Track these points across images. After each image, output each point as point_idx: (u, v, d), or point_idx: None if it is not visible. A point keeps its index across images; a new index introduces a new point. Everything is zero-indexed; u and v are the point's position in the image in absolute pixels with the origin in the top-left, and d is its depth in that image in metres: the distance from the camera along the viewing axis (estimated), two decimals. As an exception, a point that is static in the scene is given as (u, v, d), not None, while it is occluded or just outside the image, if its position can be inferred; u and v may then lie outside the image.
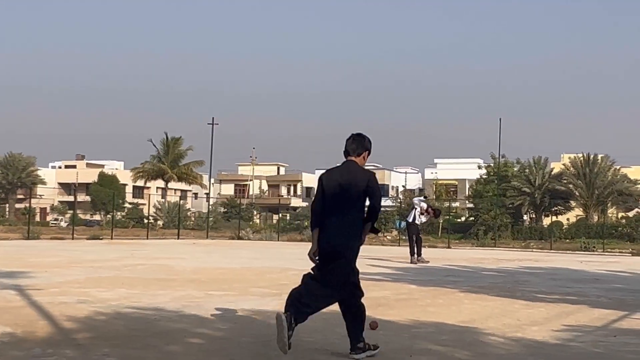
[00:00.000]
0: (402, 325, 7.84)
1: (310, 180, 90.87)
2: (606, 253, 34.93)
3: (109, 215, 60.62)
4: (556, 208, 57.42)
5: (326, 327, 7.57)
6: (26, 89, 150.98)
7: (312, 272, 5.99)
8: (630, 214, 61.22)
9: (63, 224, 67.46)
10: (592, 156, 57.89)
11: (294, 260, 20.84)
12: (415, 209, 21.37)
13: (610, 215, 61.79)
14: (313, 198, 6.19)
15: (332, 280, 5.89)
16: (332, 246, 5.86)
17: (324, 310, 8.85)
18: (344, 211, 5.90)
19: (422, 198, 21.27)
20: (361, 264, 20.71)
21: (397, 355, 6.12)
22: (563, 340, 7.19)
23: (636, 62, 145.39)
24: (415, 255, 20.65)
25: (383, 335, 7.19)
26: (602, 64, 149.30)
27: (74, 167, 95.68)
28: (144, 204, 66.86)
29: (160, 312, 8.40)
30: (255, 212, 69.48)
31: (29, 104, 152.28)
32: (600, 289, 13.56)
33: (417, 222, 21.13)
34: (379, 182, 6.23)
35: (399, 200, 59.81)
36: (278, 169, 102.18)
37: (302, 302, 5.78)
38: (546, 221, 57.20)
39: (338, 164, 6.15)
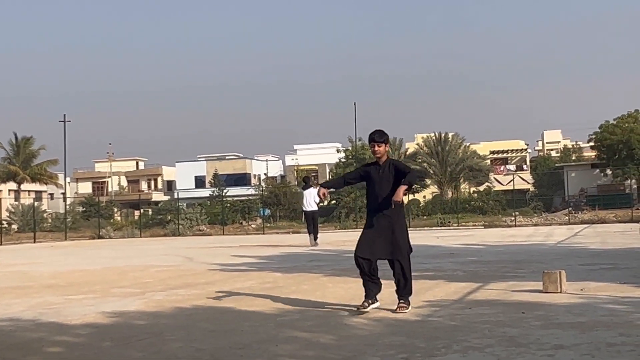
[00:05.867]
0: (267, 315, 7.87)
1: (171, 173, 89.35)
2: (461, 227, 36.41)
3: (-43, 223, 57.22)
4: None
5: (189, 324, 7.49)
6: None
7: None
8: (481, 188, 64.35)
9: None
10: (443, 135, 60.25)
11: (157, 256, 20.47)
12: (307, 197, 21.83)
13: (463, 190, 64.58)
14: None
15: None
16: None
17: (187, 306, 8.80)
18: None
19: (311, 188, 21.84)
20: (226, 255, 20.30)
21: (263, 345, 6.14)
22: (422, 316, 7.45)
23: (482, 46, 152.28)
24: (313, 237, 21.70)
25: (249, 326, 7.20)
26: (447, 49, 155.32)
27: None
28: (-5, 209, 63.55)
29: (15, 323, 8.03)
30: (115, 210, 67.58)
31: None
32: (456, 262, 14.17)
33: (310, 208, 21.70)
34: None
35: (261, 189, 59.84)
36: (137, 163, 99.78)
37: None
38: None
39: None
